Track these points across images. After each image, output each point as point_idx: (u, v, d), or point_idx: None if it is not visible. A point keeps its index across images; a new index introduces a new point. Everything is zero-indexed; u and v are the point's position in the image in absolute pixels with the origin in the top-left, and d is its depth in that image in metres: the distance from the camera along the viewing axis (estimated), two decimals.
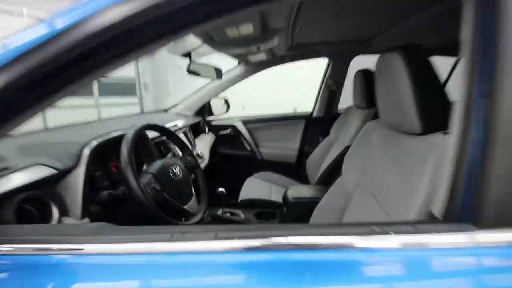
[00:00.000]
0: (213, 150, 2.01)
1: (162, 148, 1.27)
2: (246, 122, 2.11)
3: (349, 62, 1.85)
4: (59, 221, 0.67)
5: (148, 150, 1.03)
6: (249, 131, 2.10)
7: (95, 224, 0.53)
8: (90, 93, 4.15)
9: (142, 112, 3.60)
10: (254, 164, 2.09)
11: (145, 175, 0.89)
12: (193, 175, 1.17)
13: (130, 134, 0.85)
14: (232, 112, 2.11)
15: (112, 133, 0.99)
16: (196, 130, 1.94)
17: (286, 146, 2.08)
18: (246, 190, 1.65)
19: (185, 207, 0.97)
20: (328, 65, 1.95)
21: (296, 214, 1.27)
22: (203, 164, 1.62)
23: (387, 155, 0.69)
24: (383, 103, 0.70)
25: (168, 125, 1.47)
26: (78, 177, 0.73)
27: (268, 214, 1.49)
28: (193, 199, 1.07)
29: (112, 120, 1.56)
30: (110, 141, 0.94)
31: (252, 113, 2.31)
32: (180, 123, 1.63)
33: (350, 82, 1.51)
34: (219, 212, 1.42)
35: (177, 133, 1.35)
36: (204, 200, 1.11)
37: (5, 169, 0.63)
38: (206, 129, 2.05)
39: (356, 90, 1.44)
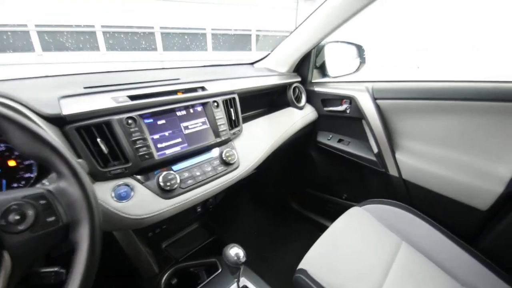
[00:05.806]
0: (308, 139, 1.34)
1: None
2: (379, 92, 1.03)
3: None
4: None
5: None
6: (382, 113, 1.04)
7: None
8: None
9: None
10: (374, 181, 1.17)
11: None
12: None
13: None
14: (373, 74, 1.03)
15: None
16: (279, 98, 1.21)
17: (479, 165, 0.85)
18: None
19: None
20: None
21: None
22: (233, 174, 0.81)
23: None
24: None
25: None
26: None
27: None
28: None
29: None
30: None
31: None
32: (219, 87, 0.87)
33: None
34: None
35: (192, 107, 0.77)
36: None
37: None
38: (303, 99, 1.24)
39: None
